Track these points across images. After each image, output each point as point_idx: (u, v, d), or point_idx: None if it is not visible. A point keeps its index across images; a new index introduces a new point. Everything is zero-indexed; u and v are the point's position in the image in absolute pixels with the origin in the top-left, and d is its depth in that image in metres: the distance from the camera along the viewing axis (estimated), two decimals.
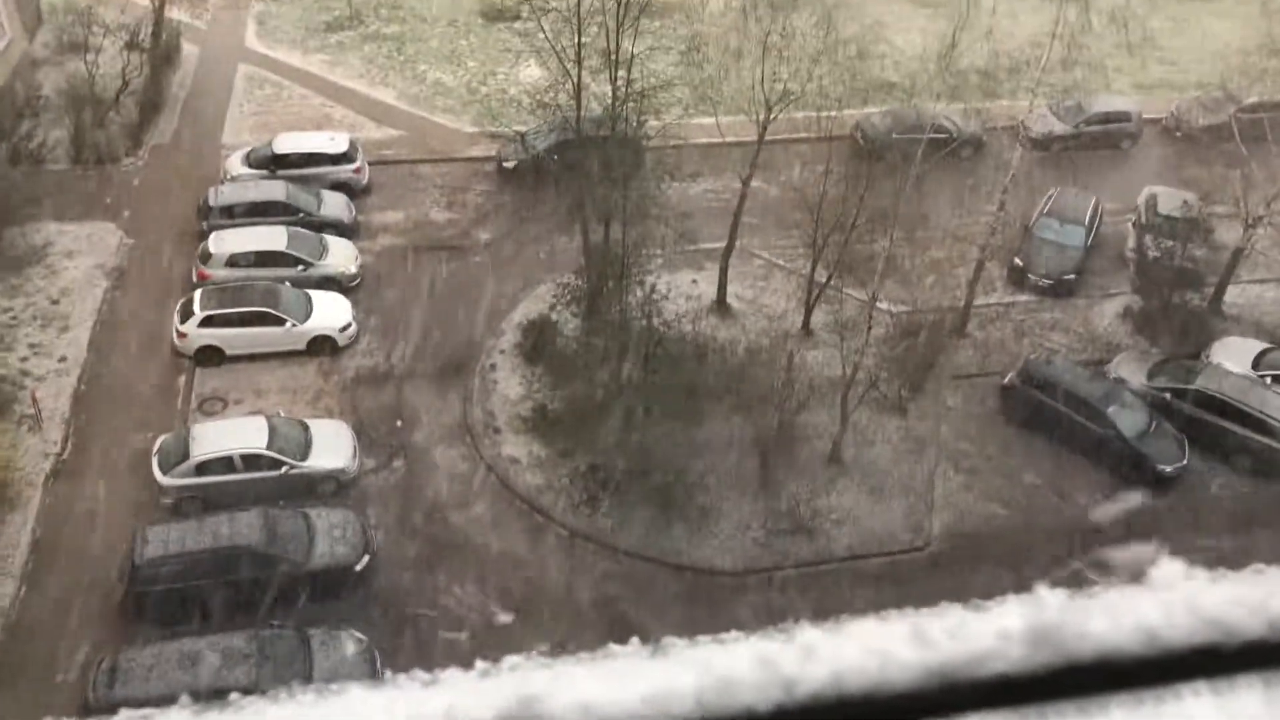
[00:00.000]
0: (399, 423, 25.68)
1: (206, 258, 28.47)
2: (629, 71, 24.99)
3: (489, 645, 19.91)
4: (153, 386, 26.15)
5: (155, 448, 23.60)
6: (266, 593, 20.87)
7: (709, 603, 22.17)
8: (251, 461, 23.14)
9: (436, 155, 34.47)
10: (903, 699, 1.12)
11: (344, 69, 38.74)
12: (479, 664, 1.18)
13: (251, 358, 26.61)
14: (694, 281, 29.70)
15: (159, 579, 20.65)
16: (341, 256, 29.29)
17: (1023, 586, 1.25)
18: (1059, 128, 35.04)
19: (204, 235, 29.41)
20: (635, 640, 1.21)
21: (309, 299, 27.40)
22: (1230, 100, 33.94)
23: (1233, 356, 27.47)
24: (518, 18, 37.54)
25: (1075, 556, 20.86)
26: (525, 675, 1.13)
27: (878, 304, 25.69)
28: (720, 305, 28.98)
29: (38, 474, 23.79)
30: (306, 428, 24.15)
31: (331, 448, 23.89)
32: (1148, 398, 26.11)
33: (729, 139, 29.50)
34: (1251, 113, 31.70)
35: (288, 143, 32.68)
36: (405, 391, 26.48)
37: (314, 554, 21.53)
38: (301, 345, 26.84)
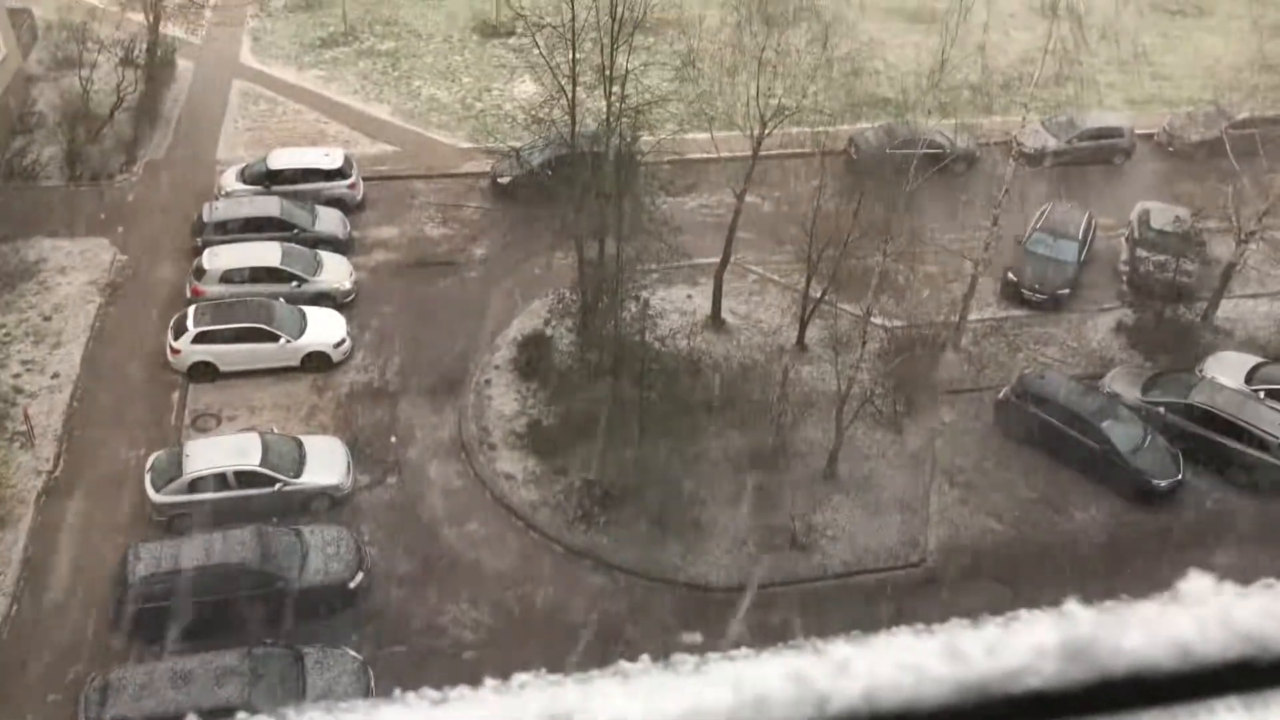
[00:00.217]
0: (393, 439, 25.61)
1: (200, 274, 28.44)
2: (623, 87, 25.06)
3: (484, 662, 19.81)
4: (146, 403, 26.07)
5: (148, 464, 23.50)
6: (259, 611, 20.77)
7: (704, 619, 22.09)
8: (245, 478, 23.05)
9: (431, 171, 34.51)
10: (937, 715, 1.12)
11: (339, 85, 38.80)
12: (489, 681, 1.17)
13: (245, 374, 26.55)
14: (689, 297, 29.71)
15: (151, 597, 20.52)
16: (336, 272, 29.27)
17: (1019, 603, 1.24)
18: (1052, 143, 35.16)
19: (198, 251, 29.38)
20: (646, 658, 1.19)
21: (303, 315, 27.36)
22: (1222, 115, 34.12)
23: (1227, 371, 27.53)
24: (512, 34, 37.71)
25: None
26: (557, 692, 1.12)
27: (872, 319, 25.72)
28: (715, 320, 28.99)
29: (29, 491, 23.68)
30: (300, 444, 24.08)
31: (325, 464, 23.81)
32: (1142, 412, 26.13)
33: (724, 154, 29.57)
34: (1243, 128, 31.84)
35: (282, 158, 32.70)
36: (400, 407, 26.42)
37: (307, 571, 21.43)
38: (295, 361, 26.79)
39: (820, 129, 27.01)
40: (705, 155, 30.48)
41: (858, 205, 24.99)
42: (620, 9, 23.89)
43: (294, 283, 28.49)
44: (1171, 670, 1.14)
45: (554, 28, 24.99)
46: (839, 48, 26.86)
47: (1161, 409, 26.24)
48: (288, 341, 26.65)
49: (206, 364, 26.39)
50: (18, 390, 26.07)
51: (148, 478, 23.15)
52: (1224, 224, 29.52)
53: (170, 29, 39.01)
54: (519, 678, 1.17)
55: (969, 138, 32.25)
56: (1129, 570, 22.67)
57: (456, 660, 20.80)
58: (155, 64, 36.79)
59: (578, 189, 25.59)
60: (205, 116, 36.62)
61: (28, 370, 26.70)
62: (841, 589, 22.92)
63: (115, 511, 23.26)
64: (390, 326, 28.69)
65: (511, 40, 39.09)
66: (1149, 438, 25.45)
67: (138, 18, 37.66)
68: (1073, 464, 25.39)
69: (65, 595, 21.60)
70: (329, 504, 23.62)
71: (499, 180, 32.72)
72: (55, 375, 26.59)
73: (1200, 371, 27.66)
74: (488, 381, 27.20)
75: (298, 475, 23.38)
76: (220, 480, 22.96)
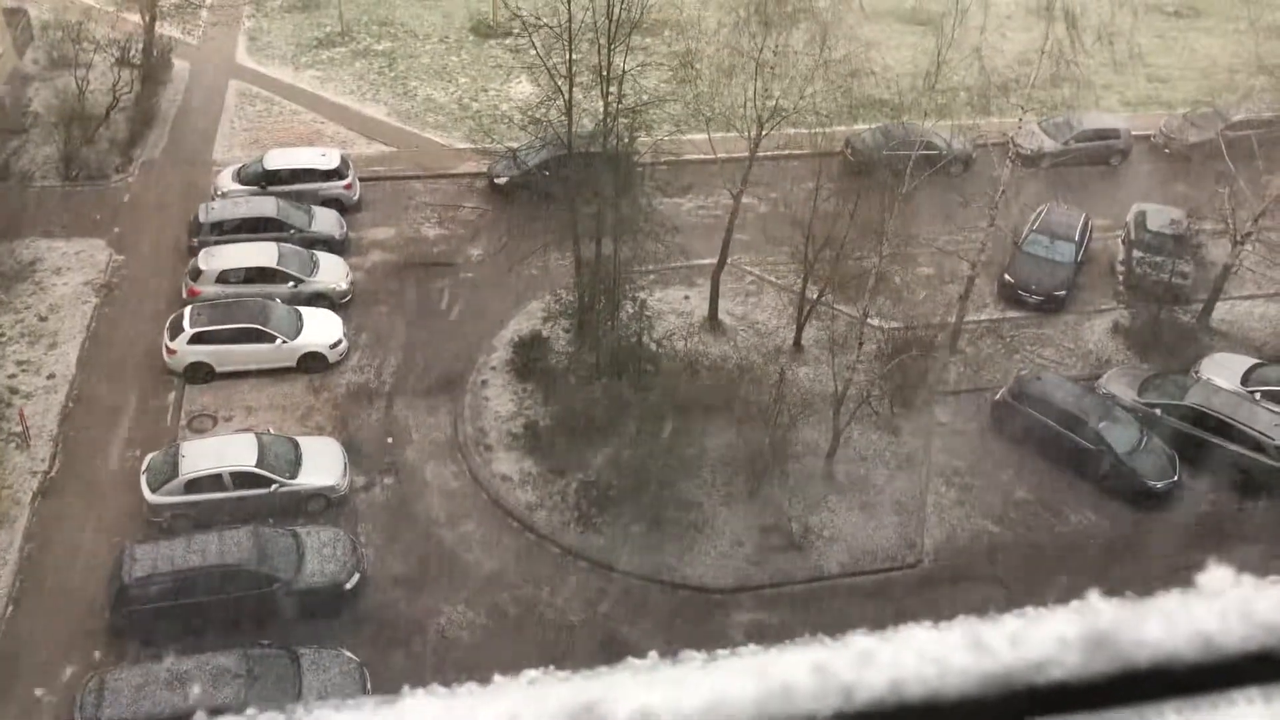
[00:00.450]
0: (389, 440, 25.59)
1: (197, 274, 28.39)
2: (620, 88, 25.05)
3: (480, 663, 19.79)
4: (141, 404, 26.03)
5: (144, 465, 23.46)
6: (255, 612, 20.74)
7: (701, 620, 22.08)
8: (241, 479, 23.02)
9: (428, 171, 34.50)
10: (961, 706, 1.12)
11: (335, 85, 38.77)
12: (496, 678, 1.16)
13: (241, 374, 26.52)
14: (685, 298, 29.71)
15: (147, 598, 20.50)
16: (333, 273, 29.24)
17: (1015, 604, 1.24)
18: (1048, 144, 35.22)
19: (194, 252, 29.34)
20: (653, 655, 1.19)
21: (299, 315, 27.33)
22: (1218, 117, 34.17)
23: (1222, 372, 27.57)
24: (509, 34, 37.71)
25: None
26: (583, 682, 1.12)
27: (869, 320, 25.73)
28: (712, 321, 28.99)
29: (25, 492, 23.63)
30: (296, 445, 24.05)
31: (321, 465, 23.78)
32: (1138, 413, 26.17)
33: (720, 155, 29.58)
34: (1239, 129, 31.90)
35: (279, 159, 32.67)
36: (396, 408, 26.40)
37: (303, 572, 21.40)
38: (292, 362, 26.76)
39: (817, 130, 27.02)
40: (702, 156, 30.48)
41: (854, 207, 25.00)
42: (617, 10, 23.90)
43: (290, 283, 28.46)
44: (1193, 661, 1.14)
45: (551, 28, 24.98)
46: (836, 49, 26.85)
47: (1158, 410, 26.28)
48: (284, 342, 26.61)
49: (203, 364, 26.35)
50: (13, 391, 26.01)
51: (143, 478, 23.11)
52: (1220, 226, 29.59)
53: (166, 29, 38.99)
54: (527, 674, 1.16)
55: (965, 139, 32.30)
56: (1125, 571, 22.68)
57: (453, 661, 20.78)
58: (151, 64, 36.74)
59: (575, 190, 25.58)
60: (201, 117, 36.59)
61: (23, 371, 26.65)
62: (838, 590, 22.92)
63: (111, 512, 23.21)
64: (386, 327, 28.66)
65: (508, 41, 39.10)
66: (1145, 439, 25.49)
67: (134, 18, 37.62)
68: (1069, 465, 25.42)
69: (60, 596, 21.54)
70: (325, 505, 23.59)
71: (496, 181, 32.70)
72: (51, 376, 26.54)
73: (1196, 373, 27.70)
74: (484, 382, 27.18)
75: (294, 476, 23.34)
76: (216, 481, 22.92)
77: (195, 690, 18.61)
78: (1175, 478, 25.21)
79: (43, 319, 28.18)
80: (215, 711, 16.16)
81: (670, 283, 29.46)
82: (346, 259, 30.26)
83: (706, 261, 29.20)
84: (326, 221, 30.90)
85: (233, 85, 38.46)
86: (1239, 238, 28.83)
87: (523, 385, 26.87)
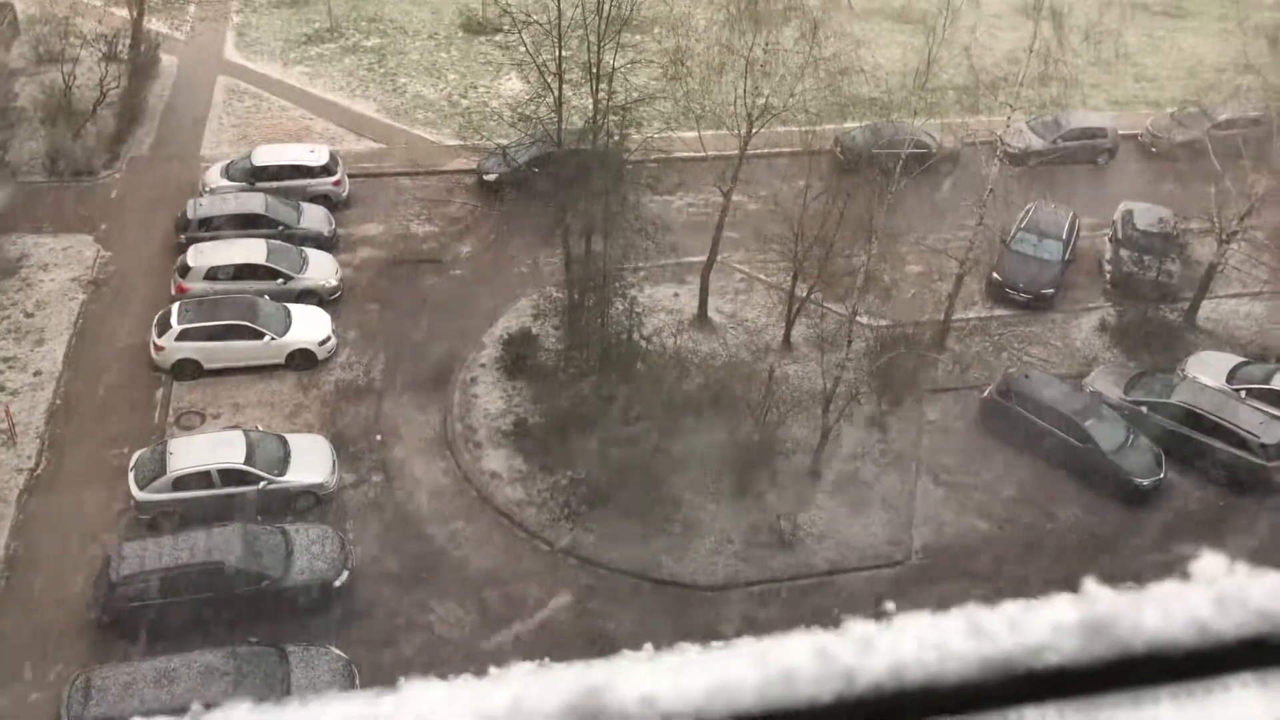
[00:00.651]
0: (378, 437, 25.55)
1: (185, 271, 28.29)
2: (610, 85, 25.04)
3: (470, 659, 19.80)
4: (129, 400, 25.93)
5: (131, 462, 23.37)
6: (244, 609, 20.69)
7: (691, 617, 22.13)
8: (229, 476, 22.95)
9: (417, 168, 34.41)
10: (961, 690, 1.13)
11: (324, 81, 38.64)
12: (493, 669, 1.17)
13: (229, 371, 26.43)
14: (675, 295, 29.73)
15: (135, 595, 20.44)
16: (322, 270, 29.17)
17: (1003, 601, 1.26)
18: (1036, 143, 35.33)
19: (182, 248, 29.23)
20: (648, 647, 1.21)
21: (288, 312, 27.25)
22: (1204, 116, 34.33)
23: (1208, 370, 27.73)
24: (499, 31, 37.58)
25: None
26: (585, 669, 1.13)
27: (858, 318, 25.80)
28: (701, 319, 29.02)
29: (11, 489, 23.53)
30: (285, 442, 23.99)
31: (310, 462, 23.74)
32: (1125, 411, 26.31)
33: (710, 153, 29.61)
34: (1225, 129, 32.06)
35: (267, 155, 32.55)
36: (385, 405, 26.36)
37: (292, 570, 21.37)
38: (280, 359, 26.68)
39: (807, 128, 27.05)
40: (692, 154, 30.48)
41: (844, 204, 25.06)
42: (608, 6, 23.88)
43: (280, 280, 28.38)
44: (1189, 647, 1.16)
45: (541, 25, 24.95)
46: (825, 47, 26.89)
47: (1144, 408, 26.43)
48: (272, 339, 26.54)
49: (190, 361, 26.25)
50: (0, 388, 25.90)
51: (131, 476, 23.02)
52: (1206, 224, 29.74)
53: (154, 24, 38.78)
54: (523, 665, 1.18)
55: (954, 137, 32.37)
56: (1112, 568, 22.82)
57: (442, 658, 20.77)
58: (139, 59, 36.54)
59: (564, 187, 25.57)
60: (189, 112, 36.41)
61: (9, 367, 26.52)
62: (827, 587, 22.99)
63: (98, 510, 23.12)
64: (375, 324, 28.60)
65: (498, 37, 38.99)
66: (1132, 437, 25.63)
67: (121, 12, 37.43)
68: (1056, 463, 25.54)
69: (47, 594, 21.46)
70: (314, 502, 23.54)
71: (485, 178, 32.64)
72: (37, 373, 26.42)
73: (1182, 371, 27.86)
74: (473, 379, 27.16)
75: (282, 473, 23.29)
76: (204, 478, 22.85)
77: (182, 688, 18.57)
78: (1161, 475, 25.36)
79: (29, 315, 28.04)
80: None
81: (660, 280, 29.48)
82: (335, 256, 30.19)
83: (696, 259, 29.22)
84: (315, 218, 30.81)
85: (221, 81, 38.30)
86: (1225, 236, 29.00)
87: (512, 382, 26.87)
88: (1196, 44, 42.48)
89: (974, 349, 29.16)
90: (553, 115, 25.64)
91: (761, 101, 26.23)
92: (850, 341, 25.00)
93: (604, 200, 25.09)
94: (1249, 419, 25.75)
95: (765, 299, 29.70)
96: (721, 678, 1.11)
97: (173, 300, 27.59)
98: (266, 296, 27.66)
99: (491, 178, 32.27)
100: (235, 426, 24.81)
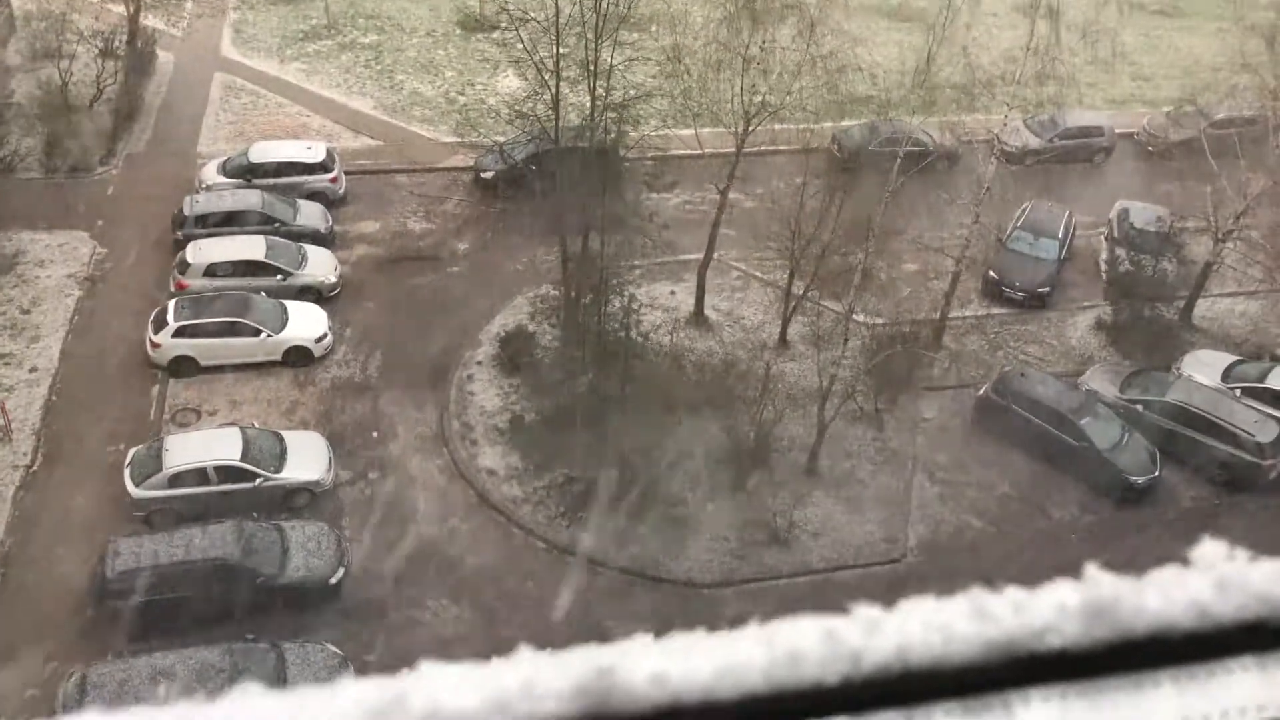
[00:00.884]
0: (375, 434, 25.54)
1: (184, 267, 28.26)
2: (608, 82, 25.03)
3: (468, 657, 19.78)
4: (125, 397, 25.90)
5: (127, 459, 23.35)
6: (240, 606, 20.68)
7: (686, 614, 22.14)
8: (225, 473, 22.94)
9: (414, 165, 34.39)
10: (965, 671, 1.15)
11: (321, 78, 38.61)
12: (494, 660, 1.19)
13: (226, 368, 26.41)
14: (672, 293, 29.74)
15: (131, 592, 20.39)
16: (321, 266, 29.15)
17: None
18: (1033, 142, 35.36)
19: (179, 245, 29.20)
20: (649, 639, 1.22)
21: (284, 309, 27.23)
22: (1201, 115, 34.36)
23: (1203, 369, 27.79)
24: (496, 28, 37.50)
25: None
26: (595, 651, 1.15)
27: (854, 316, 25.82)
28: (698, 316, 29.03)
29: (7, 486, 23.50)
30: (281, 439, 23.98)
31: (306, 459, 23.73)
32: (1120, 410, 26.36)
33: (707, 150, 29.60)
34: (1222, 128, 32.09)
35: (264, 151, 32.51)
36: (381, 403, 26.35)
37: (288, 567, 21.37)
38: (277, 356, 26.66)
39: (804, 126, 27.07)
40: (689, 151, 30.49)
41: (840, 203, 25.07)
42: (605, 4, 23.87)
43: (279, 276, 28.37)
44: (1189, 631, 1.18)
45: (538, 22, 24.94)
46: (823, 45, 26.91)
47: (1139, 406, 26.47)
48: (269, 336, 26.52)
49: (187, 358, 26.23)
50: None
51: (127, 472, 23.01)
52: (1202, 223, 29.79)
53: (151, 20, 38.73)
54: (531, 650, 1.19)
55: (952, 136, 32.40)
56: (1107, 565, 22.83)
57: (438, 655, 20.73)
58: (135, 56, 36.49)
59: (561, 184, 25.57)
60: (186, 109, 36.36)
61: (5, 364, 26.48)
62: (822, 585, 23.02)
63: (94, 506, 23.11)
64: (372, 321, 28.59)
65: (495, 34, 38.93)
66: (1127, 435, 25.67)
67: (118, 9, 37.37)
68: (1052, 461, 25.58)
69: (43, 591, 21.44)
70: (310, 499, 23.54)
71: (482, 175, 32.64)
72: (33, 369, 26.39)
73: (1177, 369, 27.92)
74: (470, 377, 27.16)
75: (278, 470, 23.28)
76: (200, 475, 22.85)
77: (178, 685, 18.57)
78: (1156, 473, 25.41)
79: (25, 312, 28.01)
80: None
81: (656, 278, 29.49)
82: (332, 252, 30.17)
83: (693, 257, 29.23)
84: (312, 215, 30.79)
85: (218, 78, 38.25)
86: (1221, 235, 29.05)
87: (509, 380, 26.87)
88: (1193, 43, 42.53)
89: (970, 347, 29.19)
90: (550, 112, 25.64)
91: (759, 99, 26.23)
92: (846, 339, 25.03)
93: (601, 198, 25.09)
94: (1244, 417, 25.81)
95: (762, 297, 29.71)
96: (730, 658, 1.14)
97: (172, 297, 27.57)
98: (262, 293, 27.64)
99: (489, 175, 32.27)
100: (231, 423, 24.80)
